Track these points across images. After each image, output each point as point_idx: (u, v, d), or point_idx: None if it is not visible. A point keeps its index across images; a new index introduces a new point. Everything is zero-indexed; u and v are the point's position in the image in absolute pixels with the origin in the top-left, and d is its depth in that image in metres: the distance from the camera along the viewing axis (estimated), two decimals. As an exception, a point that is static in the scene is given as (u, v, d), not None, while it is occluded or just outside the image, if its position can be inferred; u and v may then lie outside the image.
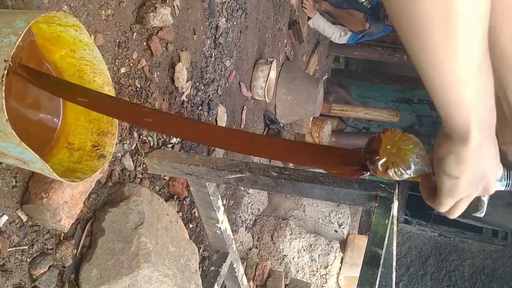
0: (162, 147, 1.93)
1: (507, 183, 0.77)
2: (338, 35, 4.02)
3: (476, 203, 0.80)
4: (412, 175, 0.75)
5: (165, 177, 1.99)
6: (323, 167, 0.85)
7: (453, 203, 0.73)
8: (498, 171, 0.73)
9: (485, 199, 0.80)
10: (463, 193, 0.71)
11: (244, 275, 2.23)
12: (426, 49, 0.57)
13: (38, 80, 1.11)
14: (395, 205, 1.42)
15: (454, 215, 0.76)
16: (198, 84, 2.21)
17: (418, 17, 0.54)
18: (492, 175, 0.71)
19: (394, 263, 1.60)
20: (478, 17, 0.54)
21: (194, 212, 2.26)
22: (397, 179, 0.76)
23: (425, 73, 0.60)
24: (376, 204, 1.38)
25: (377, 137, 0.76)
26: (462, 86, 0.59)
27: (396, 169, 0.74)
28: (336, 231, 3.27)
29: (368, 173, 0.80)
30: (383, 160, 0.74)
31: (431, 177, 0.75)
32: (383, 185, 1.41)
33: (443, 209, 0.75)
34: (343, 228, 3.27)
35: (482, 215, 0.81)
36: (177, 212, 2.05)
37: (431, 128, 6.39)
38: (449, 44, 0.55)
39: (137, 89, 1.71)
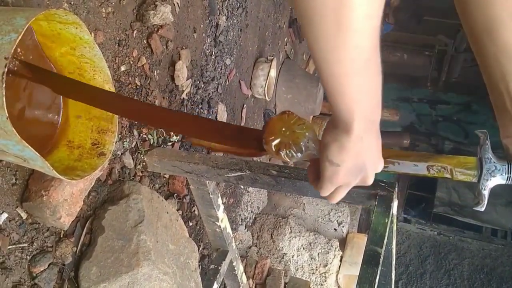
0: (162, 145, 1.93)
1: (508, 176, 0.77)
2: (338, 33, 4.01)
3: (477, 198, 0.81)
4: (302, 158, 0.78)
5: (165, 175, 1.99)
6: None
7: (333, 189, 0.77)
8: (378, 165, 0.76)
9: (486, 193, 0.80)
10: (342, 181, 0.74)
11: (244, 273, 2.24)
12: (317, 38, 0.58)
13: (40, 77, 1.11)
14: (395, 204, 1.42)
15: (334, 200, 0.80)
16: (198, 82, 2.21)
17: (311, 6, 0.55)
18: (371, 168, 0.75)
19: (394, 262, 1.60)
20: (368, 14, 0.55)
21: (194, 210, 2.26)
22: (287, 160, 0.79)
23: (316, 61, 0.62)
24: (376, 203, 1.38)
25: (274, 119, 0.79)
26: (348, 78, 0.61)
27: (287, 151, 0.77)
28: (335, 229, 3.27)
29: (265, 154, 0.83)
30: (277, 141, 0.77)
31: (318, 162, 0.78)
32: (383, 184, 1.40)
33: (323, 193, 0.78)
34: (343, 227, 3.27)
35: (482, 209, 0.82)
36: (177, 210, 2.05)
37: (431, 127, 6.39)
38: (337, 36, 0.56)
39: (137, 87, 1.71)
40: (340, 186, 0.77)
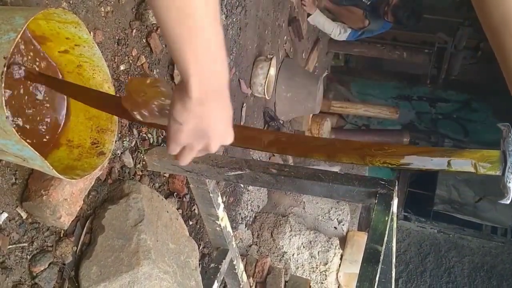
0: (162, 144, 1.92)
1: None
2: (337, 32, 4.01)
3: (502, 191, 0.81)
4: (155, 118, 0.83)
5: (164, 174, 1.99)
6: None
7: (178, 148, 0.80)
8: (225, 137, 0.79)
9: (511, 186, 0.80)
10: (184, 140, 0.78)
11: (244, 272, 2.24)
12: (152, 5, 0.64)
13: (46, 82, 1.12)
14: (395, 202, 1.42)
15: (180, 161, 0.82)
16: (197, 81, 2.20)
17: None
18: (215, 137, 0.78)
19: (394, 260, 1.60)
20: None
21: (194, 209, 2.26)
22: (140, 119, 0.84)
23: (159, 24, 0.67)
24: (376, 201, 1.38)
25: (130, 81, 0.83)
26: (181, 40, 0.66)
27: (139, 111, 0.82)
28: (335, 227, 3.27)
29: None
30: (129, 102, 0.81)
31: None
32: (383, 182, 1.40)
33: (169, 151, 0.82)
34: (343, 225, 3.27)
35: (508, 201, 0.81)
36: (177, 209, 2.05)
37: (431, 125, 6.39)
38: (161, 1, 0.62)
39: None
40: (184, 148, 0.80)
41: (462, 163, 0.82)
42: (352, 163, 0.89)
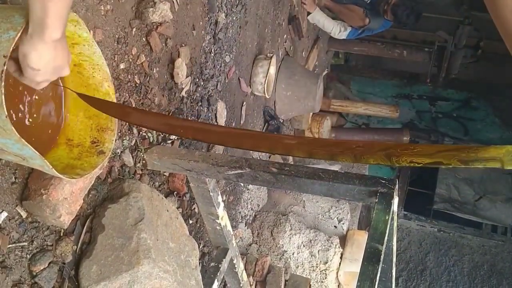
0: (162, 143, 1.92)
1: None
2: (337, 30, 4.01)
3: None
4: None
5: (164, 173, 1.98)
6: None
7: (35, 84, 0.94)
8: (66, 68, 0.94)
9: None
10: (42, 79, 0.92)
11: (244, 271, 2.24)
12: None
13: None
14: (396, 201, 1.42)
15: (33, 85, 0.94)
16: (197, 79, 2.20)
17: None
18: (64, 68, 0.93)
19: (394, 259, 1.60)
20: None
21: (194, 208, 2.26)
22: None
23: None
24: (376, 200, 1.38)
25: None
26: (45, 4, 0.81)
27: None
28: (335, 226, 3.27)
29: None
30: None
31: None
32: (383, 181, 1.40)
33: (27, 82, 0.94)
34: (343, 224, 3.27)
35: None
36: (177, 208, 2.05)
37: (431, 124, 6.39)
38: None
39: (137, 85, 1.71)
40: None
41: (490, 159, 0.83)
42: (378, 163, 0.89)
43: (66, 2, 0.84)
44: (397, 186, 1.42)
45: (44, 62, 0.88)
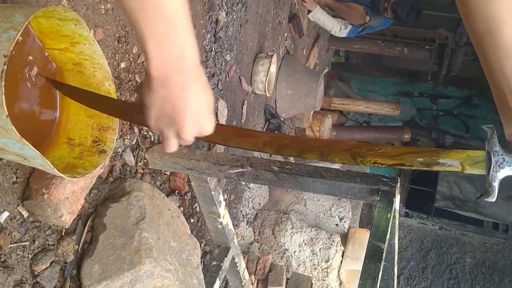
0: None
1: None
2: (338, 28, 4.01)
3: (488, 189, 0.83)
4: None
5: (166, 172, 1.98)
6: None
7: (156, 131, 0.77)
8: (201, 125, 0.74)
9: (496, 184, 0.82)
10: (154, 125, 0.74)
11: (246, 270, 2.23)
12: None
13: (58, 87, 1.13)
14: (397, 199, 1.42)
15: (165, 147, 0.78)
16: (198, 78, 2.20)
17: None
18: (185, 123, 0.72)
19: (396, 257, 1.59)
20: None
21: (195, 207, 2.25)
22: None
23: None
24: (378, 198, 1.38)
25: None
26: (139, 17, 0.64)
27: None
28: (337, 225, 3.27)
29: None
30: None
31: None
32: (385, 179, 1.40)
33: (153, 130, 0.78)
34: (344, 222, 3.27)
35: (494, 199, 0.84)
36: (178, 207, 2.04)
37: (432, 122, 6.38)
38: None
39: (137, 84, 1.71)
40: (162, 133, 0.76)
41: (450, 163, 0.85)
42: (343, 163, 0.90)
43: (167, 17, 0.64)
44: (398, 184, 1.42)
45: (151, 99, 0.71)
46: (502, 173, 0.82)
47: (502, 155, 0.82)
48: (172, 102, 0.70)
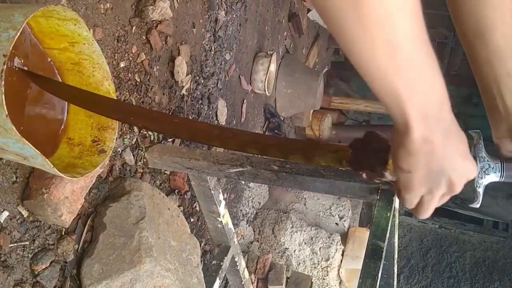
0: (163, 142, 1.92)
1: (501, 174, 0.79)
2: (338, 27, 3.99)
3: (472, 195, 0.83)
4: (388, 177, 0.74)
5: (165, 172, 1.98)
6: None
7: (415, 199, 0.70)
8: (465, 169, 0.67)
9: (481, 190, 0.82)
10: (419, 189, 0.68)
11: (246, 269, 2.24)
12: (347, 39, 0.56)
13: (40, 83, 1.11)
14: (397, 198, 1.42)
15: (421, 213, 0.72)
16: (198, 78, 2.20)
17: (332, 8, 0.53)
18: (455, 172, 0.66)
19: (396, 256, 1.60)
20: (393, 7, 0.53)
21: (195, 206, 2.26)
22: (388, 179, 0.74)
23: (355, 64, 0.59)
24: (378, 197, 1.38)
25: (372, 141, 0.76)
26: (390, 76, 0.57)
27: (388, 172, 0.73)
28: (337, 224, 3.27)
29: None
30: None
31: None
32: (385, 178, 1.40)
33: (407, 205, 0.72)
34: (344, 221, 3.27)
35: (478, 206, 0.83)
36: (178, 206, 2.05)
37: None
38: (364, 35, 0.54)
39: (137, 83, 1.71)
40: (423, 196, 0.70)
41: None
42: (329, 165, 0.86)
43: (424, 68, 0.58)
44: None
45: (413, 162, 0.64)
46: (487, 179, 0.81)
47: (487, 161, 0.81)
48: (438, 157, 0.64)
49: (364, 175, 0.75)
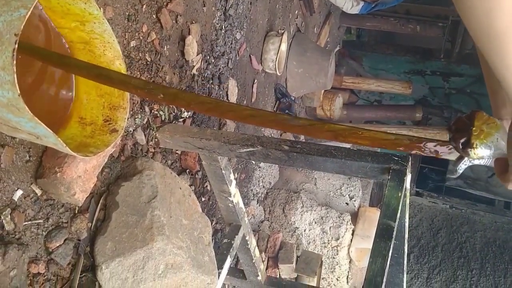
0: (174, 121, 1.92)
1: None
2: (350, 5, 3.94)
3: (455, 168, 0.84)
4: (490, 157, 0.77)
5: (177, 151, 1.99)
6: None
7: None
8: None
9: (461, 171, 0.84)
10: None
11: (256, 247, 2.26)
12: (503, 54, 0.64)
13: (44, 58, 1.10)
14: (408, 178, 1.41)
15: None
16: (208, 57, 2.19)
17: (493, 28, 0.61)
18: None
19: (406, 235, 1.60)
20: None
21: (206, 186, 2.27)
22: (475, 158, 0.78)
23: (498, 73, 0.67)
24: (389, 177, 1.38)
25: (462, 118, 0.79)
26: None
27: (475, 150, 0.76)
28: (347, 203, 3.28)
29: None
30: (464, 139, 0.76)
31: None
32: (396, 158, 1.40)
33: (510, 186, 0.78)
34: (354, 201, 3.28)
35: (455, 177, 0.85)
36: (190, 185, 2.06)
37: (444, 100, 6.31)
38: (494, 40, 0.62)
39: (148, 63, 1.70)
40: None
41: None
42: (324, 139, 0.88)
43: None
44: (409, 163, 1.41)
45: None
46: (470, 163, 0.83)
47: None
48: None
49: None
